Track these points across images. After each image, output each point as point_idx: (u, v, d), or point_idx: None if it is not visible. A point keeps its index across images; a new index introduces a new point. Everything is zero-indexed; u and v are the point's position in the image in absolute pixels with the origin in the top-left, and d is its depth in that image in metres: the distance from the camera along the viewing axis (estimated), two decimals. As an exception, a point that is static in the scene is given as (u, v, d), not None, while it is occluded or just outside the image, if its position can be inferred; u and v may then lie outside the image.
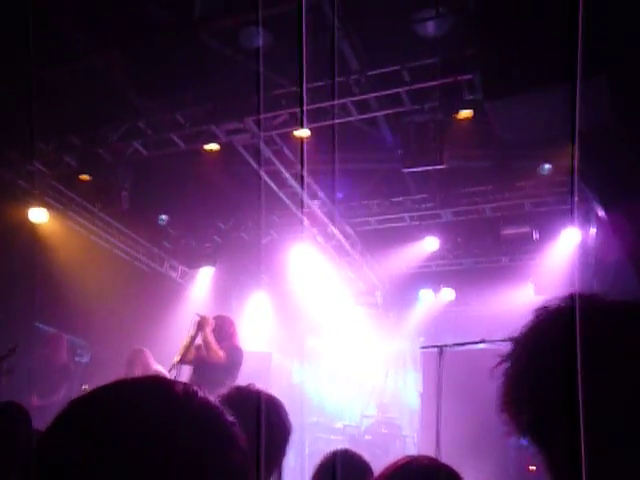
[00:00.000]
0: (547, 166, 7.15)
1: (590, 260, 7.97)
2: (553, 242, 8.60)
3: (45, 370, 6.89)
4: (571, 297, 0.99)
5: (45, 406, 6.69)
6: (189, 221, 9.88)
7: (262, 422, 1.61)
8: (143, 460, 0.69)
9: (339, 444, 9.45)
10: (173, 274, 10.53)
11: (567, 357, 0.87)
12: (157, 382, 0.82)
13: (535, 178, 7.72)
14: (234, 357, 5.59)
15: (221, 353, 5.52)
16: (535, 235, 8.36)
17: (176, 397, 0.77)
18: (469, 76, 5.61)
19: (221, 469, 0.74)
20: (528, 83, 3.76)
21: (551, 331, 0.96)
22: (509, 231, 8.48)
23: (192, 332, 5.72)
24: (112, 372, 8.12)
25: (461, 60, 5.63)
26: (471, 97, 5.75)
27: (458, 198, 8.43)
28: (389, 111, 6.31)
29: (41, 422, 3.98)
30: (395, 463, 1.54)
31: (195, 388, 0.81)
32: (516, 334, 1.02)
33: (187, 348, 5.66)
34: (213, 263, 10.06)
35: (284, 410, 1.85)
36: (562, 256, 8.57)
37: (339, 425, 10.46)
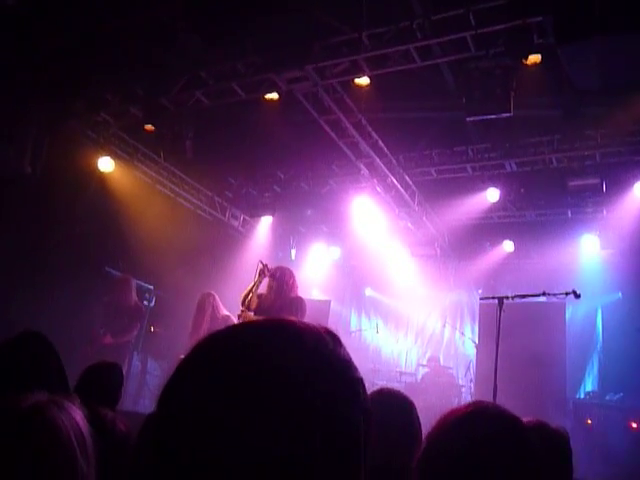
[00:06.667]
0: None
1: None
2: (623, 195, 8.24)
3: (117, 311, 7.27)
4: None
5: (117, 344, 7.11)
6: (250, 170, 10.01)
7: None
8: (272, 410, 0.69)
9: (395, 391, 9.63)
10: (235, 223, 10.77)
11: None
12: (287, 330, 0.79)
13: (607, 127, 7.35)
14: (300, 307, 5.70)
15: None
16: (604, 187, 8.00)
17: (307, 349, 0.76)
18: (539, 18, 5.32)
19: (342, 423, 0.74)
20: (605, 26, 3.54)
21: None
22: (577, 182, 8.15)
23: (255, 279, 5.86)
24: (176, 315, 8.52)
25: (531, 1, 5.34)
26: (541, 41, 5.46)
27: (523, 148, 8.14)
28: (453, 57, 6.09)
29: (112, 358, 4.23)
30: (461, 408, 1.56)
31: (327, 338, 0.79)
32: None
33: (249, 294, 5.80)
34: (273, 212, 10.21)
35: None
36: (631, 210, 8.23)
37: (396, 373, 10.64)
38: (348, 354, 0.80)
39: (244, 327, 0.80)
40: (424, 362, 10.97)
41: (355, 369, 0.79)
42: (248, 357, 0.73)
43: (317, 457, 0.69)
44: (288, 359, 0.73)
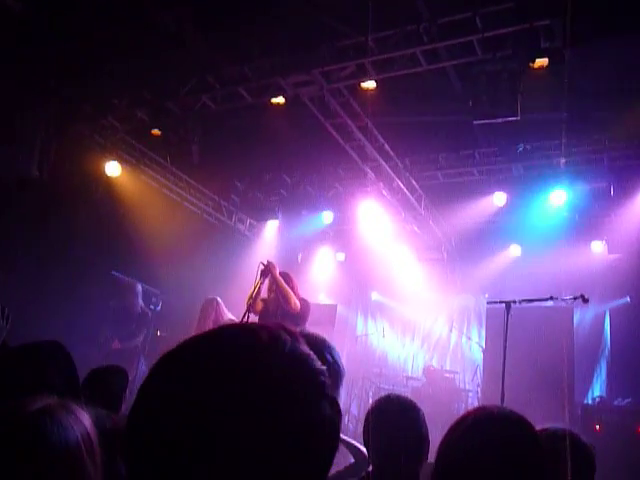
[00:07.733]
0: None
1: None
2: (630, 199, 8.19)
3: (124, 316, 7.28)
4: None
5: (124, 349, 7.12)
6: (256, 174, 10.02)
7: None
8: (231, 412, 0.70)
9: (401, 395, 9.60)
10: (241, 227, 10.77)
11: None
12: (241, 331, 0.81)
13: (614, 131, 7.32)
14: (304, 309, 5.70)
15: (297, 303, 5.62)
16: (611, 191, 7.96)
17: (261, 345, 0.77)
18: (546, 21, 5.30)
19: (309, 417, 0.75)
20: (614, 30, 3.52)
21: None
22: (584, 186, 8.10)
23: (257, 280, 5.76)
24: (182, 320, 8.51)
25: (538, 4, 5.32)
26: (548, 44, 5.44)
27: (530, 151, 8.11)
28: (460, 61, 6.08)
29: (121, 363, 4.24)
30: (468, 412, 1.56)
31: (283, 335, 0.80)
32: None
33: (253, 295, 5.71)
34: (279, 216, 10.19)
35: (337, 352, 1.91)
36: (639, 213, 8.18)
37: (402, 377, 10.59)
38: (308, 348, 0.82)
39: (205, 334, 0.83)
40: (432, 366, 10.92)
41: (316, 361, 0.80)
42: (203, 356, 0.76)
43: (280, 446, 0.72)
44: (242, 356, 0.76)
